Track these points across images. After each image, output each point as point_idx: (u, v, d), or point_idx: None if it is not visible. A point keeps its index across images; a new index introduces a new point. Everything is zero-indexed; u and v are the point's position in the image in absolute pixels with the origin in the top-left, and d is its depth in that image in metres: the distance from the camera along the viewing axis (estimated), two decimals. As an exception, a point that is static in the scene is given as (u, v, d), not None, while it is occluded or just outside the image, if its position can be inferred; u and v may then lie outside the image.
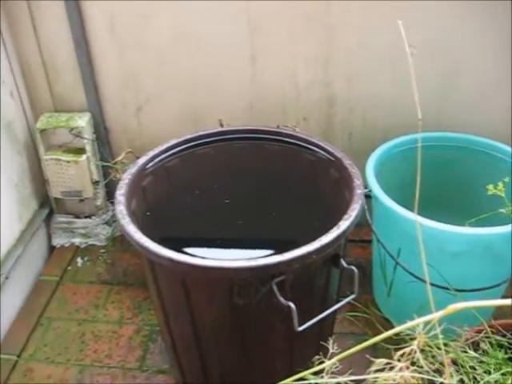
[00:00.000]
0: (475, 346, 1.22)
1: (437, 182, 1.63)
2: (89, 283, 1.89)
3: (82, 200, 1.97)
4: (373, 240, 1.66)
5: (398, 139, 1.66)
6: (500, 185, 1.38)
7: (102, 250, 2.00)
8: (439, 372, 1.05)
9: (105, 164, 1.88)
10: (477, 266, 1.43)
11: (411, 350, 0.73)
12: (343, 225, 1.12)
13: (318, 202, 1.38)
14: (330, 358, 0.92)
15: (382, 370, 0.75)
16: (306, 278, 1.14)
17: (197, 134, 1.42)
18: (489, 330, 1.23)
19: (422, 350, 0.76)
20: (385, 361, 0.75)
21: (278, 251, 1.06)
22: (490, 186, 1.39)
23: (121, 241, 2.00)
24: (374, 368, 0.74)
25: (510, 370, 1.18)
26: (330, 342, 0.94)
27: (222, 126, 1.46)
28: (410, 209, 1.41)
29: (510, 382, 1.13)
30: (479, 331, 1.25)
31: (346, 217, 1.14)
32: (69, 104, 1.91)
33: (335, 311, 1.21)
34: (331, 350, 0.92)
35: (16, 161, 1.84)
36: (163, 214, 1.35)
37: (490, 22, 1.61)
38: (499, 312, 1.56)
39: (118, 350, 1.65)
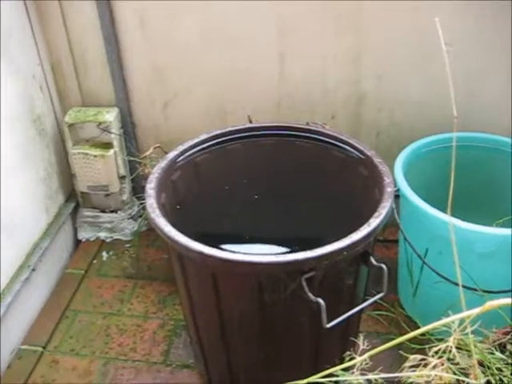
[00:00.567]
0: (502, 348, 1.21)
1: (464, 183, 1.61)
2: (114, 277, 1.90)
3: (107, 195, 1.98)
4: (399, 240, 1.65)
5: (427, 139, 1.65)
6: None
7: (127, 245, 2.02)
8: (465, 373, 1.05)
9: (131, 159, 1.90)
10: (505, 267, 1.42)
11: (446, 346, 0.73)
12: (374, 222, 1.11)
13: (347, 199, 1.37)
14: (359, 355, 0.92)
15: (416, 367, 0.75)
16: (335, 274, 1.14)
17: (226, 130, 1.42)
18: (516, 332, 1.22)
19: (459, 348, 0.76)
20: (419, 357, 0.74)
21: (307, 248, 1.06)
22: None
23: (146, 236, 2.02)
24: (408, 364, 0.74)
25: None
26: (361, 338, 0.94)
27: (250, 122, 1.47)
28: (438, 209, 1.41)
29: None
30: (506, 333, 1.23)
31: (376, 214, 1.13)
32: (97, 99, 1.92)
33: (362, 309, 1.21)
34: (361, 347, 0.92)
35: (44, 155, 1.86)
36: (192, 209, 1.35)
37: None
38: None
39: (143, 344, 1.66)
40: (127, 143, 1.94)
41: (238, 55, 1.76)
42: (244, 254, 1.07)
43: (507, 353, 1.20)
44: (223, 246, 1.17)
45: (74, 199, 2.03)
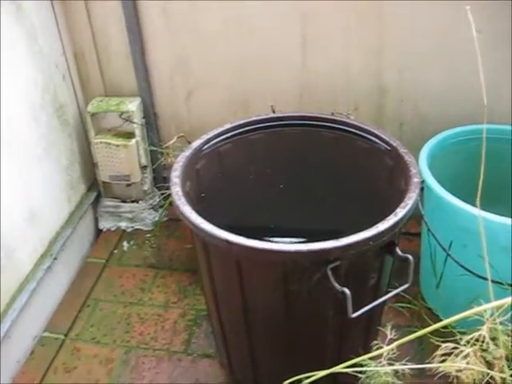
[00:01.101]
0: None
1: (490, 176, 1.60)
2: (135, 267, 1.91)
3: (129, 184, 1.99)
4: (422, 232, 1.64)
5: (452, 130, 1.64)
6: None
7: (148, 235, 2.02)
8: (490, 366, 1.04)
9: (153, 149, 1.90)
10: (531, 260, 1.41)
11: (479, 335, 0.72)
12: (400, 212, 1.10)
13: (372, 190, 1.37)
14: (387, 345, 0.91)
15: (446, 356, 0.74)
16: (360, 264, 1.13)
17: (250, 120, 1.42)
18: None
19: (493, 339, 0.75)
20: (451, 345, 0.74)
21: (331, 238, 1.05)
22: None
23: (166, 226, 2.03)
24: (440, 352, 0.73)
25: None
26: (388, 328, 0.93)
27: (274, 111, 1.46)
28: (463, 201, 1.39)
29: None
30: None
31: (403, 205, 1.12)
32: (119, 88, 1.93)
33: (386, 300, 1.20)
34: (389, 336, 0.91)
35: (66, 144, 1.86)
36: (215, 198, 1.35)
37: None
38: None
39: (164, 333, 1.66)
40: (149, 133, 1.95)
41: (260, 45, 1.76)
42: (270, 242, 1.06)
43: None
44: (248, 235, 1.16)
45: (95, 189, 2.04)
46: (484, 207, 1.35)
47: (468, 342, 0.73)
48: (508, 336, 1.16)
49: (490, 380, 1.07)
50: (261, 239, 1.05)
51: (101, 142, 1.88)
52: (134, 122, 1.86)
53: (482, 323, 0.96)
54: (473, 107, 1.71)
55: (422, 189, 1.47)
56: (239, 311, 1.24)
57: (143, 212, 2.02)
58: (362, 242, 1.04)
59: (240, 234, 1.06)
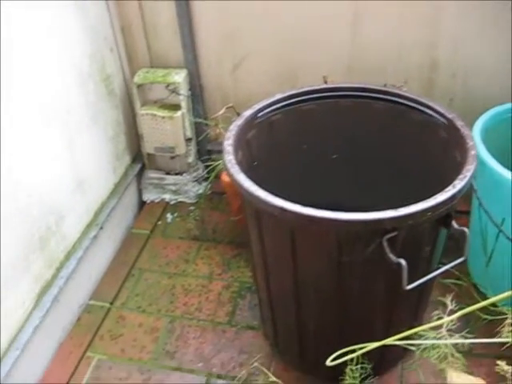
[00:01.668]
0: None
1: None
2: (178, 238, 1.92)
3: (173, 157, 1.99)
4: (472, 208, 1.61)
5: (506, 105, 1.60)
6: None
7: (192, 207, 2.02)
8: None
9: (199, 121, 1.89)
10: None
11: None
12: (458, 184, 1.08)
13: (426, 163, 1.34)
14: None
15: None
16: (416, 236, 1.11)
17: (302, 90, 1.40)
18: None
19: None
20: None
21: (381, 210, 1.03)
22: None
23: (209, 199, 2.02)
24: (508, 322, 0.71)
25: None
26: (448, 299, 0.91)
27: (326, 82, 1.44)
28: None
29: None
30: None
31: (461, 177, 1.10)
32: (166, 60, 1.92)
33: (440, 274, 1.18)
34: (449, 307, 0.90)
35: (112, 114, 1.87)
36: (267, 168, 1.35)
37: None
38: None
39: (208, 304, 1.67)
40: (194, 105, 1.94)
41: (310, 15, 1.73)
42: (324, 210, 1.05)
43: None
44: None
45: (139, 160, 2.05)
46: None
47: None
48: None
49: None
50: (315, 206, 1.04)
51: (146, 114, 1.88)
52: (180, 94, 1.85)
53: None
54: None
55: (474, 164, 1.45)
56: (289, 282, 1.23)
57: (187, 184, 2.02)
58: (419, 213, 1.03)
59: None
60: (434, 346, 0.90)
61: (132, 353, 1.55)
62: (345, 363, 1.07)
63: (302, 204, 1.05)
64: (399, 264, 1.03)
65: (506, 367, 1.01)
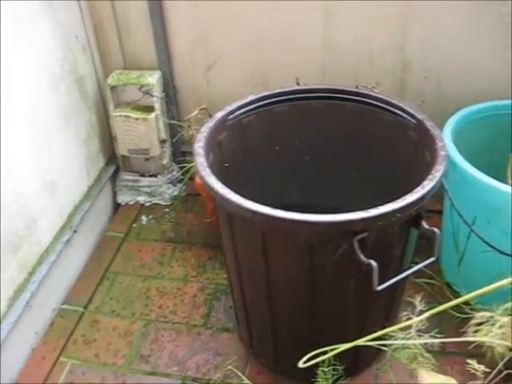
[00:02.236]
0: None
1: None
2: (153, 241, 1.91)
3: (148, 159, 1.98)
4: (445, 208, 1.62)
5: (477, 106, 1.62)
6: None
7: (166, 209, 2.02)
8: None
9: (173, 122, 1.89)
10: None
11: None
12: (428, 185, 1.09)
13: (397, 163, 1.35)
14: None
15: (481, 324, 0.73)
16: (386, 237, 1.12)
17: (274, 92, 1.40)
18: None
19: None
20: (487, 314, 0.73)
21: (353, 211, 1.04)
22: None
23: (184, 201, 2.02)
24: (476, 321, 0.72)
25: None
26: (417, 300, 0.92)
27: (298, 84, 1.44)
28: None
29: None
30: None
31: (430, 177, 1.11)
32: (139, 61, 1.91)
33: (411, 274, 1.19)
34: (418, 308, 0.90)
35: (85, 116, 1.86)
36: (238, 170, 1.34)
37: None
38: None
39: (183, 307, 1.66)
40: (168, 107, 1.93)
41: (282, 18, 1.73)
42: (295, 213, 1.05)
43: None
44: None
45: (114, 163, 2.04)
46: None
47: (504, 310, 0.72)
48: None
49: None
50: (288, 208, 1.04)
51: (120, 115, 1.87)
52: (153, 96, 1.84)
53: (504, 299, 0.95)
54: (496, 84, 1.70)
55: (445, 164, 1.46)
56: (262, 284, 1.23)
57: (162, 186, 2.01)
58: (389, 214, 1.03)
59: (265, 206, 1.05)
60: (403, 347, 0.90)
61: (106, 357, 1.54)
62: (319, 364, 1.07)
63: (275, 206, 1.05)
64: (370, 265, 1.04)
65: (477, 366, 1.01)
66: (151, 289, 1.73)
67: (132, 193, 2.04)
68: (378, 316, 1.30)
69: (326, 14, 1.70)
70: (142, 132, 1.87)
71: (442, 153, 1.18)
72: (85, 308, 1.69)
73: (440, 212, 1.66)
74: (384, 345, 1.02)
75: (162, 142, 1.92)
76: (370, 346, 1.05)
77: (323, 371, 1.05)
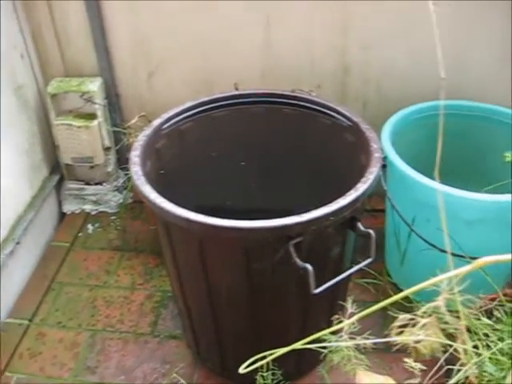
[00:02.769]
0: (489, 314, 1.22)
1: (453, 151, 1.61)
2: (100, 249, 1.89)
3: (92, 166, 1.96)
4: (386, 208, 1.65)
5: (415, 106, 1.65)
6: (518, 152, 1.37)
7: (113, 217, 2.00)
8: (453, 338, 1.05)
9: (116, 129, 1.87)
10: (492, 234, 1.42)
11: (435, 306, 0.72)
12: (361, 187, 1.10)
13: (334, 166, 1.37)
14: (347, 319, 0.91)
15: (404, 327, 0.75)
16: (322, 240, 1.13)
17: (213, 97, 1.40)
18: (503, 297, 1.23)
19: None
20: (409, 316, 0.74)
21: (292, 214, 1.04)
22: (508, 153, 1.38)
23: (131, 208, 2.01)
24: (398, 323, 0.73)
25: (523, 336, 1.17)
26: (349, 302, 0.93)
27: (237, 89, 1.44)
28: (428, 177, 1.40)
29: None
30: (493, 299, 1.24)
31: (363, 179, 1.12)
32: (80, 68, 1.89)
33: (350, 275, 1.20)
34: (349, 310, 0.91)
35: (26, 126, 1.82)
36: (177, 177, 1.34)
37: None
38: (513, 281, 1.57)
39: (130, 316, 1.65)
40: (111, 114, 1.91)
41: (223, 23, 1.73)
42: (230, 219, 1.05)
43: (494, 319, 1.21)
44: (209, 214, 1.15)
45: (58, 171, 2.01)
46: (453, 183, 1.36)
47: (425, 312, 0.73)
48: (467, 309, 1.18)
49: (454, 352, 1.09)
50: (223, 218, 1.04)
51: (62, 124, 1.84)
52: (95, 103, 1.82)
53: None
54: (437, 85, 1.73)
55: (385, 165, 1.48)
56: (203, 291, 1.23)
57: (107, 194, 1.99)
58: (323, 218, 1.04)
59: (202, 213, 1.05)
60: (336, 349, 0.91)
61: (52, 371, 1.51)
62: (259, 369, 1.08)
63: (216, 212, 1.05)
64: (305, 269, 1.05)
65: (414, 364, 1.03)
66: (98, 298, 1.71)
67: (77, 201, 2.01)
68: (320, 319, 1.30)
69: (266, 20, 1.71)
70: (85, 140, 1.85)
71: (377, 155, 1.20)
72: (30, 321, 1.66)
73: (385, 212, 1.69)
74: (323, 347, 1.03)
75: (106, 149, 1.90)
76: (312, 350, 1.06)
77: (262, 376, 1.05)
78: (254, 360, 1.07)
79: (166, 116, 1.34)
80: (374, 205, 1.91)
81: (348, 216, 1.10)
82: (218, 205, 1.20)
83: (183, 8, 1.72)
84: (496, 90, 1.73)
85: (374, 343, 1.01)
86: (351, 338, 0.88)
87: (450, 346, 1.05)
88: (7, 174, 1.70)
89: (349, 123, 1.32)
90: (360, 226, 1.14)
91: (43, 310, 1.69)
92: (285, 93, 1.42)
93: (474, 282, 1.11)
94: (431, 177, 1.40)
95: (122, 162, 2.01)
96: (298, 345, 1.01)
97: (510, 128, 1.61)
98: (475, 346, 1.14)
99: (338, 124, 1.35)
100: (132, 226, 1.96)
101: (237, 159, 1.36)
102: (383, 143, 1.47)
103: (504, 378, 1.11)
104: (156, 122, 1.32)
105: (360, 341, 0.88)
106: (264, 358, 1.06)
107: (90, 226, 1.98)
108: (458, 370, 1.07)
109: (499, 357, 1.12)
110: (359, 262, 1.18)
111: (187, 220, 1.04)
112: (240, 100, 1.43)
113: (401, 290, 1.63)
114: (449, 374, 1.10)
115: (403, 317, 0.74)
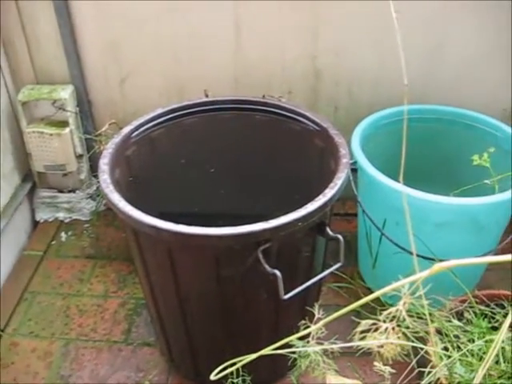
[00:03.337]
0: (459, 316, 1.23)
1: (422, 155, 1.64)
2: (73, 258, 1.88)
3: (65, 174, 1.95)
4: (358, 212, 1.66)
5: (384, 111, 1.66)
6: (485, 155, 1.38)
7: (86, 225, 1.99)
8: (424, 341, 1.06)
9: (88, 137, 1.86)
10: (461, 236, 1.44)
11: (397, 309, 0.73)
12: (329, 193, 1.11)
13: (304, 172, 1.37)
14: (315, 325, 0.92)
15: (368, 331, 0.75)
16: (291, 246, 1.14)
17: (183, 104, 1.41)
18: (473, 299, 1.24)
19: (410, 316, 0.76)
20: (371, 322, 0.75)
21: (264, 220, 1.05)
22: (475, 157, 1.40)
23: (105, 216, 1.99)
24: (360, 329, 0.74)
25: (492, 338, 1.19)
26: (316, 308, 0.94)
27: (207, 96, 1.45)
28: (395, 180, 1.41)
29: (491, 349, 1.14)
30: (463, 301, 1.26)
31: (331, 185, 1.13)
32: (51, 76, 1.87)
33: (321, 280, 1.21)
34: (317, 316, 0.92)
35: (-3, 134, 1.81)
36: (147, 185, 1.34)
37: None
38: (483, 283, 1.58)
39: (103, 324, 1.64)
40: (83, 121, 1.91)
41: (193, 30, 1.73)
42: (199, 227, 1.05)
43: (464, 320, 1.22)
44: (179, 221, 1.15)
45: (30, 179, 1.99)
46: (421, 187, 1.38)
47: (387, 317, 0.74)
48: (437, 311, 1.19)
49: (425, 354, 1.11)
50: (193, 225, 1.04)
51: (33, 132, 1.83)
52: (67, 110, 1.81)
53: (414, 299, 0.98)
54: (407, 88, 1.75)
55: (355, 170, 1.50)
56: (174, 299, 1.23)
57: (81, 202, 1.98)
58: (291, 223, 1.05)
59: (172, 221, 1.05)
60: (304, 354, 0.92)
61: (24, 380, 1.50)
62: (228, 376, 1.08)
63: (185, 218, 1.05)
64: (275, 274, 1.05)
65: (383, 367, 1.04)
66: (71, 307, 1.70)
67: (50, 209, 2.00)
68: (291, 324, 1.31)
69: (237, 26, 1.71)
70: (57, 148, 1.84)
71: (345, 160, 1.21)
72: (2, 331, 1.64)
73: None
74: (293, 352, 1.03)
75: (79, 157, 1.89)
76: (284, 356, 1.07)
77: (232, 382, 1.05)
78: (225, 366, 1.08)
79: (136, 123, 1.34)
80: (348, 209, 1.93)
81: (316, 221, 1.11)
82: (187, 212, 1.20)
83: (154, 15, 1.72)
84: (470, 93, 1.76)
85: (345, 347, 1.02)
86: (318, 343, 0.89)
87: (422, 348, 1.06)
88: (-23, 182, 1.69)
89: (318, 129, 1.33)
90: (329, 230, 1.15)
91: (15, 320, 1.67)
92: (254, 99, 1.43)
93: (445, 284, 1.13)
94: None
95: (95, 169, 2.00)
96: (266, 351, 1.02)
97: (477, 131, 1.64)
98: (446, 348, 1.16)
99: (308, 129, 1.36)
100: (105, 234, 1.95)
101: (208, 166, 1.37)
102: (353, 148, 1.49)
103: (473, 378, 1.12)
104: (126, 130, 1.32)
105: (327, 346, 0.89)
106: (234, 364, 1.07)
107: (63, 234, 1.97)
108: (429, 372, 1.08)
109: (469, 358, 1.14)
110: (332, 267, 1.19)
111: (156, 228, 1.04)
112: (211, 107, 1.43)
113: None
114: (420, 375, 1.11)
115: (365, 322, 0.75)
